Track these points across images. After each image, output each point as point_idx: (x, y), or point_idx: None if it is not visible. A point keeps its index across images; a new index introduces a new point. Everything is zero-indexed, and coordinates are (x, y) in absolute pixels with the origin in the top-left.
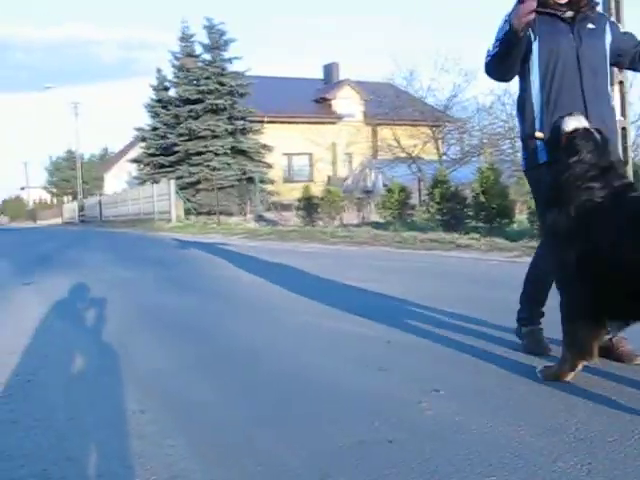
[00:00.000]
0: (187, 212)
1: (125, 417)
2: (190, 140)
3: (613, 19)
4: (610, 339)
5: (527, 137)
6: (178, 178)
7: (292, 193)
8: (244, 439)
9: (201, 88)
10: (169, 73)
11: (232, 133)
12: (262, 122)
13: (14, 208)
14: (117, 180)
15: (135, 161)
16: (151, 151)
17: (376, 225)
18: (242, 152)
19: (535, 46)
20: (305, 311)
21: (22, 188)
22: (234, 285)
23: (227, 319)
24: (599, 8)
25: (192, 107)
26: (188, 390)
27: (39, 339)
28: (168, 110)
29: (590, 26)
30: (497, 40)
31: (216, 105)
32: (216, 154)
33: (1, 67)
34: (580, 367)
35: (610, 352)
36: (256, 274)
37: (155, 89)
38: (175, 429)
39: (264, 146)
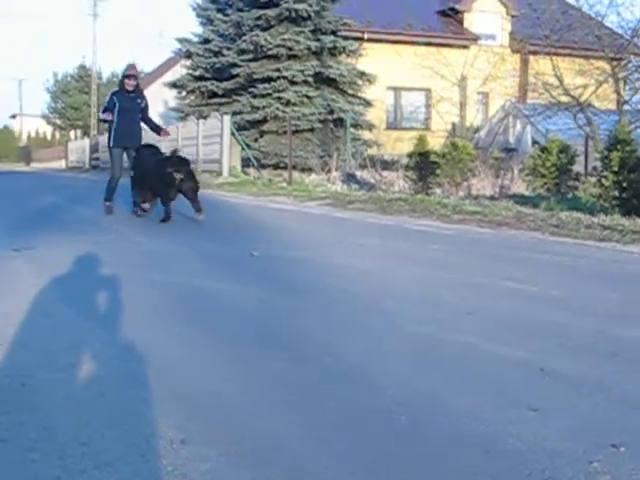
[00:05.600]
0: (245, 163)
1: (159, 448)
2: (255, 60)
3: (146, 99)
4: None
5: (112, 142)
6: (235, 114)
7: (399, 145)
8: None
9: None
10: None
11: (317, 53)
12: (361, 40)
13: (0, 144)
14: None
15: (175, 86)
16: (198, 73)
17: (521, 199)
18: (330, 81)
19: (117, 105)
20: (427, 318)
21: (13, 116)
22: (323, 274)
23: (316, 321)
24: None
25: (261, 13)
26: (253, 418)
27: (36, 327)
28: (226, 15)
29: (138, 101)
30: (105, 111)
31: (296, 11)
32: (292, 82)
33: None
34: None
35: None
36: (348, 260)
37: None
38: (234, 471)
39: (362, 74)
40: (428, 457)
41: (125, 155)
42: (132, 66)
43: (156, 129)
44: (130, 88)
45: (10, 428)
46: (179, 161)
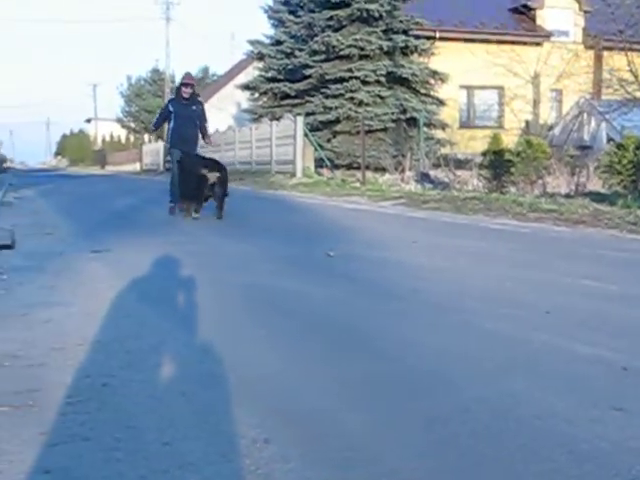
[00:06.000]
0: (319, 164)
1: (241, 447)
2: (328, 61)
3: (203, 106)
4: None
5: (169, 143)
6: (308, 114)
7: (472, 144)
8: None
9: None
10: None
11: (389, 53)
12: (433, 39)
13: (76, 147)
14: (220, 114)
15: (247, 88)
16: (271, 75)
17: (597, 197)
18: (402, 81)
19: (173, 111)
20: (506, 317)
21: (88, 120)
22: (400, 274)
23: (389, 319)
24: None
25: (333, 13)
26: (333, 418)
27: (116, 328)
28: (298, 16)
29: (193, 107)
30: (157, 119)
31: (367, 11)
32: (365, 82)
33: None
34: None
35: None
36: (424, 260)
37: None
38: (316, 471)
39: (434, 73)
40: (510, 456)
41: None
42: (189, 75)
43: (205, 136)
44: (186, 95)
45: (94, 427)
46: (214, 165)
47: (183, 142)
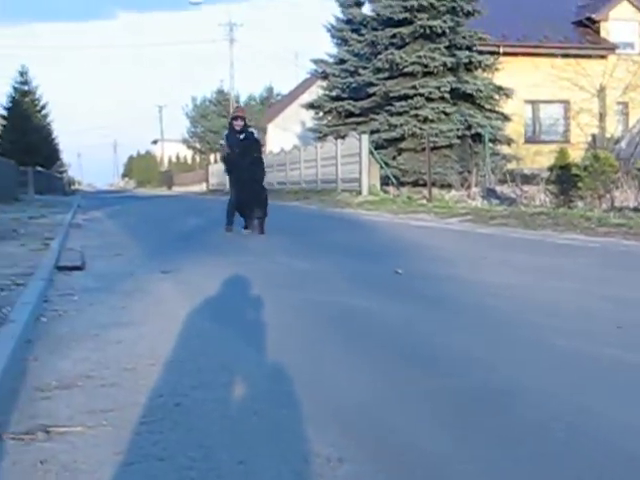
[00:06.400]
0: (384, 181)
1: (315, 466)
2: (392, 78)
3: (256, 136)
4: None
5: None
6: (373, 132)
7: (538, 159)
8: None
9: (409, 3)
10: None
11: (453, 69)
12: (496, 54)
13: (143, 169)
14: (285, 133)
15: (312, 107)
16: (335, 93)
17: None
18: (466, 97)
19: (230, 144)
20: (577, 333)
21: (154, 141)
22: (469, 291)
23: (465, 337)
24: None
25: (396, 31)
26: (407, 435)
27: (187, 347)
28: (361, 35)
29: (247, 135)
30: (226, 165)
31: (431, 28)
32: (429, 99)
33: None
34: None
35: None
36: (493, 276)
37: (342, 5)
38: None
39: (499, 89)
40: (591, 475)
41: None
42: (239, 108)
43: None
44: (238, 128)
45: (167, 447)
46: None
47: (240, 172)
